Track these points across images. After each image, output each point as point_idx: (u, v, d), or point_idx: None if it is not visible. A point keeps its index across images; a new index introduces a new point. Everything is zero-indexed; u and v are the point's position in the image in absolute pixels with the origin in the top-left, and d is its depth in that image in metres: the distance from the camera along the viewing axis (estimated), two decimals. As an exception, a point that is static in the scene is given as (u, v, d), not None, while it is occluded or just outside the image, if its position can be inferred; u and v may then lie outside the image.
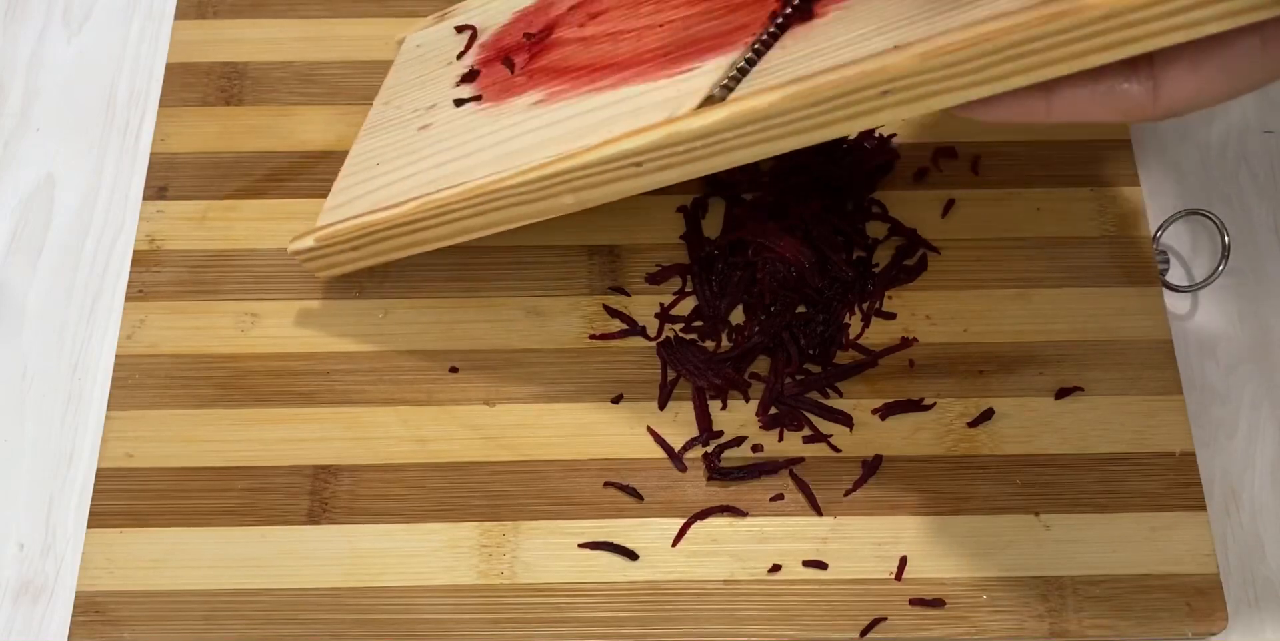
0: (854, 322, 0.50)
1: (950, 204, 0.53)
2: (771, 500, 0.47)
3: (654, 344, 0.50)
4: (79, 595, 0.45)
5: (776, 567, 0.46)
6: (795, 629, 0.45)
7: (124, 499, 0.47)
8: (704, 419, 0.48)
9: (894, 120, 0.35)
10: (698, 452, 0.48)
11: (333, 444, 0.48)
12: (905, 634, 0.45)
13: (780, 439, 0.48)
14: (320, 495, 0.47)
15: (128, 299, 0.51)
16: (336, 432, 0.48)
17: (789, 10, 0.41)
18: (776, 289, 0.48)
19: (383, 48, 0.56)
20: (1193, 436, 0.48)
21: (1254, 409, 0.50)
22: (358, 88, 0.56)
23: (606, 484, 0.47)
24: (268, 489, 0.47)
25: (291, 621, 0.45)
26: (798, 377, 0.49)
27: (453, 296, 0.51)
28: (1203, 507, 0.47)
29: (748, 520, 0.47)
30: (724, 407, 0.49)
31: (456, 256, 0.50)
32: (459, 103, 0.49)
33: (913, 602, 0.45)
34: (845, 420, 0.48)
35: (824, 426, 0.48)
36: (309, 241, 0.48)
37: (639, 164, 0.40)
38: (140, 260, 0.52)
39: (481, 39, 0.52)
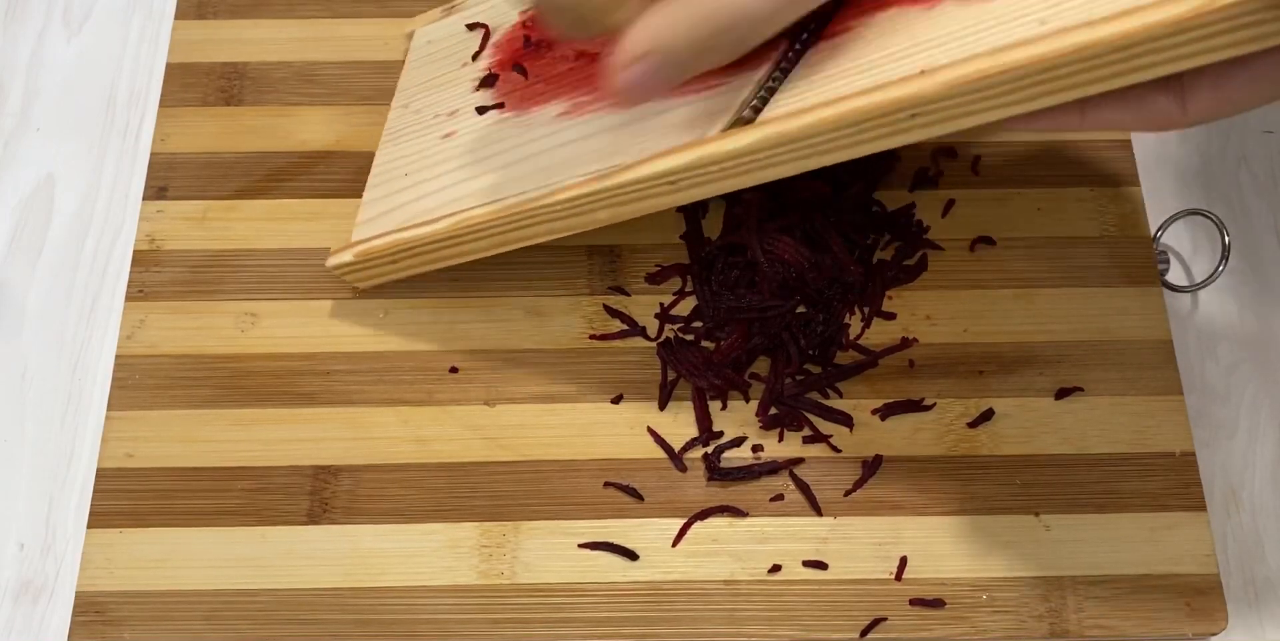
0: (854, 323, 0.50)
1: (950, 204, 0.53)
2: (771, 500, 0.47)
3: (654, 344, 0.50)
4: (79, 595, 0.45)
5: (776, 568, 0.46)
6: (795, 629, 0.45)
7: (124, 499, 0.47)
8: (704, 419, 0.48)
9: (924, 138, 0.36)
10: (698, 453, 0.48)
11: (333, 444, 0.48)
12: (905, 634, 0.45)
13: (780, 439, 0.48)
14: (320, 495, 0.47)
15: (128, 299, 0.51)
16: (336, 432, 0.48)
17: (814, 25, 0.40)
18: (776, 289, 0.48)
19: (383, 48, 0.56)
20: (1193, 436, 0.48)
21: (1254, 409, 0.50)
22: (358, 88, 0.56)
23: (606, 484, 0.47)
24: (268, 489, 0.47)
25: (292, 621, 0.45)
26: (798, 378, 0.49)
27: (453, 296, 0.51)
28: (1203, 508, 0.47)
29: (748, 520, 0.47)
30: (724, 408, 0.49)
31: (457, 256, 0.51)
32: (481, 110, 0.49)
33: (913, 603, 0.45)
34: (845, 420, 0.48)
35: (824, 426, 0.48)
36: (348, 257, 0.48)
37: (673, 182, 0.41)
38: (140, 260, 0.52)
39: (494, 38, 0.52)
